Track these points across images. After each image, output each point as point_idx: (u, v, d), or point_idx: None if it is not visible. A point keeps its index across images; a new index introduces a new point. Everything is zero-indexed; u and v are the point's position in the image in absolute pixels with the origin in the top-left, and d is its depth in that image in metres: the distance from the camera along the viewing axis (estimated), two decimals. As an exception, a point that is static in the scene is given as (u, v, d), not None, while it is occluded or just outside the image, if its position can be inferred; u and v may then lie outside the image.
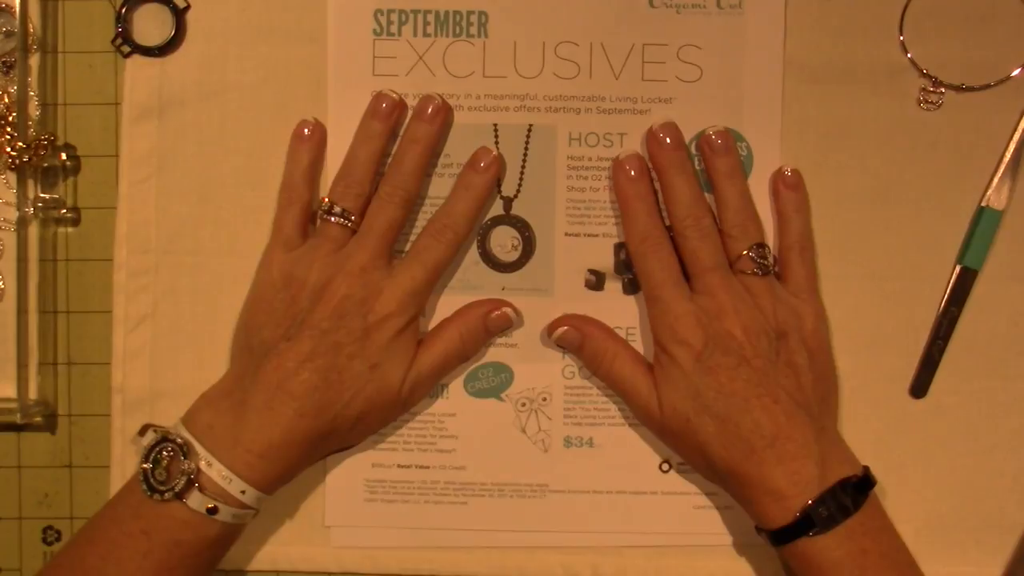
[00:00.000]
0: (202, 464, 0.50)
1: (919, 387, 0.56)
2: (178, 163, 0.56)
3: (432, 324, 0.56)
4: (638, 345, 0.56)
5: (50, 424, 0.58)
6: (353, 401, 0.51)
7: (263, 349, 0.52)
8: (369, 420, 0.53)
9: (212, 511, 0.49)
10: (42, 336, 0.57)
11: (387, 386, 0.52)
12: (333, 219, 0.53)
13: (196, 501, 0.49)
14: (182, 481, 0.49)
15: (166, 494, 0.49)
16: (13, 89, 0.56)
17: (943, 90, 0.55)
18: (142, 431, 0.54)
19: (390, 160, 0.54)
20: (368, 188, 0.54)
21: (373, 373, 0.52)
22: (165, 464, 0.50)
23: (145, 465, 0.50)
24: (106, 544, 0.50)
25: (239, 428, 0.50)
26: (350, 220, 0.53)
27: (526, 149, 0.56)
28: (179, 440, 0.50)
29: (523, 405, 0.56)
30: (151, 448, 0.50)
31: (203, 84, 0.56)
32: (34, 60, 0.56)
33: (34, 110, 0.56)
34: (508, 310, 0.55)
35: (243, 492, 0.50)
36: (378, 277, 0.52)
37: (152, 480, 0.50)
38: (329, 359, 0.51)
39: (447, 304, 0.56)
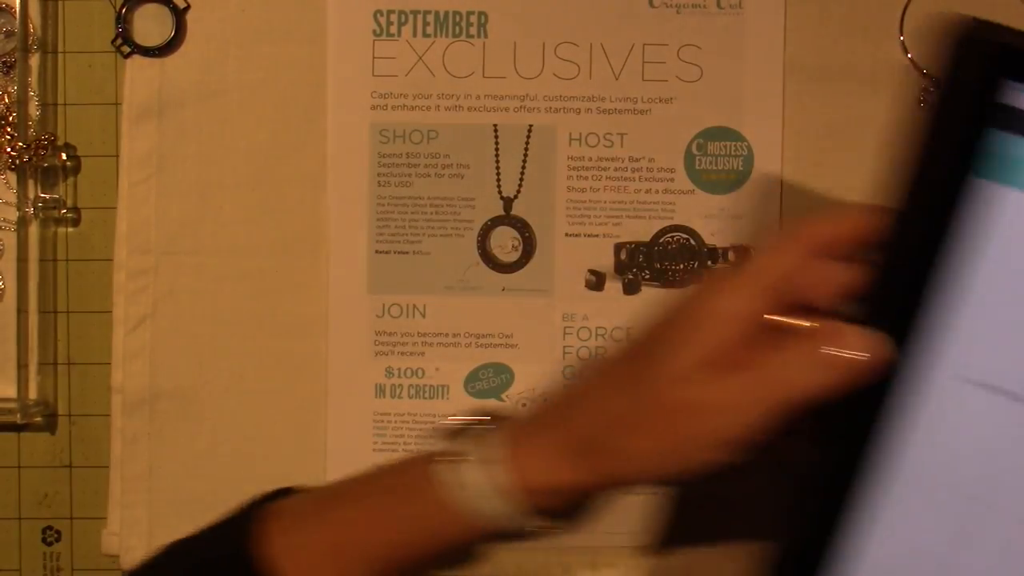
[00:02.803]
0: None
1: (919, 387, 0.56)
2: (178, 163, 0.56)
3: (433, 323, 0.56)
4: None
5: (50, 424, 0.58)
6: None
7: None
8: None
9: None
10: (42, 336, 0.57)
11: None
12: None
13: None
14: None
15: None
16: (13, 89, 0.56)
17: (943, 90, 0.55)
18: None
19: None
20: None
21: None
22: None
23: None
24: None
25: None
26: None
27: (526, 149, 0.56)
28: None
29: (524, 406, 0.56)
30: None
31: (203, 84, 0.56)
32: (34, 60, 0.56)
33: (34, 110, 0.56)
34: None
35: None
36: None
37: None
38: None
39: (447, 305, 0.56)
